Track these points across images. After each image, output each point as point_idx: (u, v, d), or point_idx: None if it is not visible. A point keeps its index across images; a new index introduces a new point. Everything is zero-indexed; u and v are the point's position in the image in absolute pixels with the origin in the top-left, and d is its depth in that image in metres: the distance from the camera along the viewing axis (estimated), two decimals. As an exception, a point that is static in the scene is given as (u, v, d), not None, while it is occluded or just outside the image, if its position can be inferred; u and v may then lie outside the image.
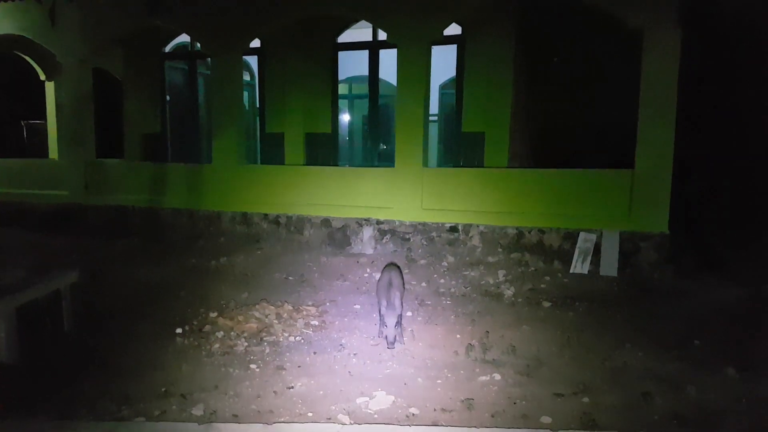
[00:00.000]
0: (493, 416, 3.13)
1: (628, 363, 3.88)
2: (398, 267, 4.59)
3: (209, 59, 10.20)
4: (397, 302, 4.04)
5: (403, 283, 4.45)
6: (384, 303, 4.04)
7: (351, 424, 3.00)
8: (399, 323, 4.11)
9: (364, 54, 10.27)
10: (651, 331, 4.49)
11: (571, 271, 6.38)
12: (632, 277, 6.16)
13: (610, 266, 6.20)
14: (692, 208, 7.12)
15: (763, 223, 7.09)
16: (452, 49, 9.68)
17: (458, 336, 4.39)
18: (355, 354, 3.99)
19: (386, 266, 4.52)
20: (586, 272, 6.30)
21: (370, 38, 10.22)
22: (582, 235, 6.46)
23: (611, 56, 7.90)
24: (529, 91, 8.83)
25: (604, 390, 3.47)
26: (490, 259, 6.94)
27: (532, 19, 8.63)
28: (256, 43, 9.87)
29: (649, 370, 3.77)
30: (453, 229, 7.40)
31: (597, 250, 6.39)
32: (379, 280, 4.37)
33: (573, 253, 6.48)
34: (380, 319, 4.17)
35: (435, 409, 3.19)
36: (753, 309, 5.09)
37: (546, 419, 3.10)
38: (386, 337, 3.96)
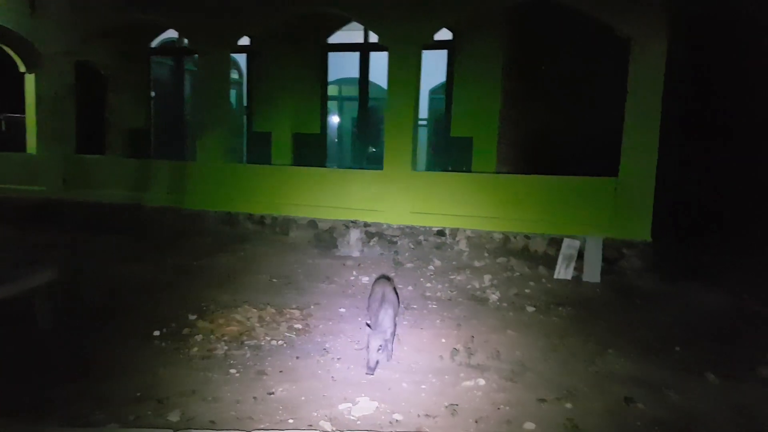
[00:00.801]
0: (477, 422, 3.11)
1: (611, 368, 3.89)
2: (391, 280, 4.33)
3: (196, 56, 10.11)
4: (388, 322, 3.65)
5: (398, 298, 4.05)
6: (372, 320, 3.72)
7: (333, 431, 2.96)
8: (386, 345, 3.70)
9: (355, 56, 10.26)
10: (634, 337, 4.51)
11: (555, 276, 6.40)
12: (615, 283, 6.20)
13: (593, 272, 6.23)
14: (675, 215, 7.19)
15: (745, 230, 7.18)
16: (443, 54, 9.71)
17: (443, 340, 4.36)
18: (339, 358, 3.94)
19: (378, 279, 4.25)
20: (569, 278, 6.33)
21: (361, 40, 10.21)
22: (566, 241, 6.49)
23: (599, 65, 7.98)
24: (518, 98, 8.89)
25: (587, 395, 3.47)
26: (477, 263, 6.93)
27: (521, 27, 8.68)
28: (245, 41, 9.80)
29: (631, 375, 3.78)
30: (440, 233, 7.39)
31: (581, 256, 6.42)
32: (371, 295, 4.05)
33: (557, 259, 6.50)
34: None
35: (419, 415, 3.16)
36: (734, 315, 5.14)
37: (530, 425, 3.08)
38: (367, 361, 3.54)
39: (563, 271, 6.37)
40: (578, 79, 8.39)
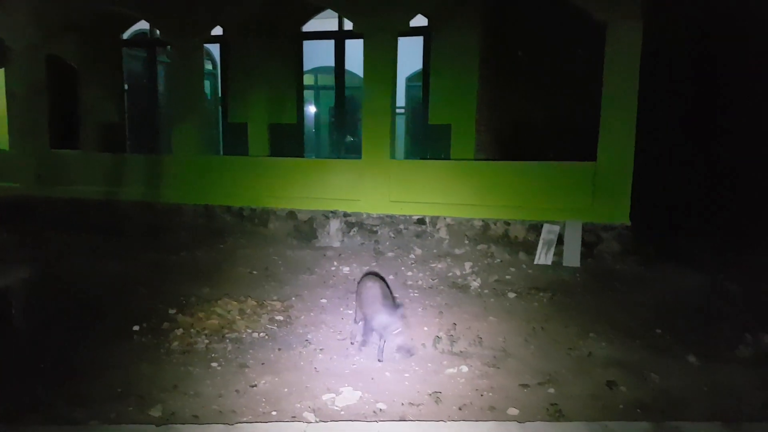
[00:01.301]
0: (460, 409, 3.11)
1: (593, 352, 3.93)
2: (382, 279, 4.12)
3: (169, 47, 9.87)
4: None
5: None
6: (375, 318, 3.68)
7: (316, 422, 2.93)
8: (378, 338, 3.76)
9: (330, 44, 10.13)
10: (614, 321, 4.56)
11: (535, 262, 6.44)
12: (595, 268, 6.26)
13: (573, 257, 6.29)
14: (653, 199, 7.27)
15: (723, 214, 7.31)
16: (419, 41, 9.64)
17: (426, 328, 4.36)
18: (321, 349, 3.91)
19: (368, 276, 4.10)
20: (549, 263, 6.37)
21: (335, 28, 10.08)
22: (546, 226, 6.53)
23: (576, 50, 7.99)
24: (495, 84, 8.87)
25: (569, 380, 3.50)
26: (457, 251, 6.94)
27: (497, 12, 8.64)
28: (218, 31, 9.59)
29: (613, 358, 3.82)
30: (420, 221, 7.38)
31: (560, 241, 6.47)
32: (364, 292, 3.89)
33: (537, 245, 6.54)
34: (366, 331, 3.83)
35: (402, 404, 3.15)
36: (713, 297, 5.22)
37: (513, 411, 3.10)
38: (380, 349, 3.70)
39: (543, 257, 6.42)
40: (556, 65, 8.40)
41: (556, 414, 3.07)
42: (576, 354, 3.90)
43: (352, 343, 3.96)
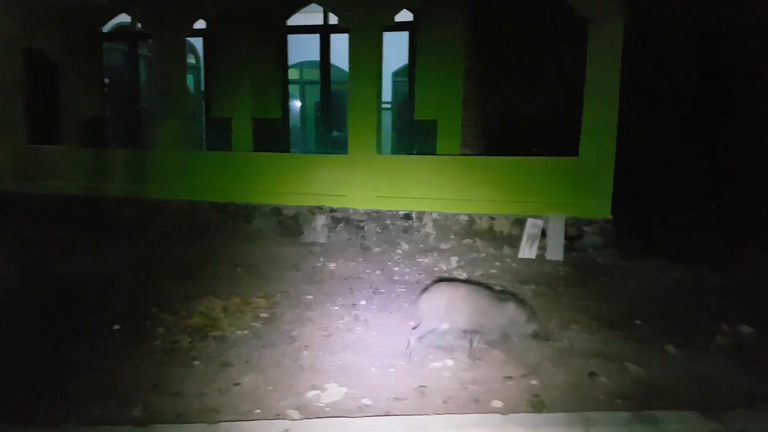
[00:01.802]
0: (445, 402, 3.14)
1: (575, 344, 3.97)
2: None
3: (151, 40, 9.74)
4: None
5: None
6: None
7: (300, 419, 2.93)
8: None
9: (316, 38, 10.07)
10: (596, 312, 4.61)
11: (519, 256, 6.49)
12: (577, 261, 6.32)
13: (556, 251, 6.34)
14: (635, 193, 7.36)
15: (703, 207, 7.42)
16: (405, 36, 9.63)
17: (412, 323, 4.37)
18: (306, 346, 3.91)
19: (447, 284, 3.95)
20: (533, 257, 6.42)
21: (321, 22, 10.02)
22: (530, 221, 6.58)
23: (560, 45, 8.04)
24: (480, 79, 8.89)
25: (551, 371, 3.54)
26: (443, 245, 6.97)
27: (482, 8, 8.65)
28: (201, 25, 9.49)
29: (594, 350, 3.86)
30: (407, 216, 7.38)
31: (544, 235, 6.52)
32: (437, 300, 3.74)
33: (521, 239, 6.58)
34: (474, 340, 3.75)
35: (388, 399, 3.17)
36: (691, 288, 5.31)
37: (497, 403, 3.13)
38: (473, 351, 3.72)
39: (527, 251, 6.47)
40: (540, 60, 8.44)
41: (538, 405, 3.11)
42: (558, 346, 3.94)
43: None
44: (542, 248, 6.49)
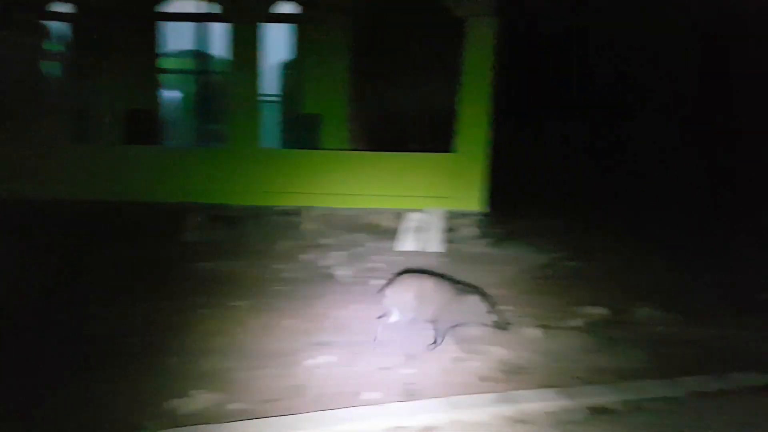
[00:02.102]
0: (319, 399, 3.12)
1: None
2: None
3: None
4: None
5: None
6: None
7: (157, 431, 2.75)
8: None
9: (192, 26, 9.59)
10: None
11: (401, 249, 6.65)
12: (454, 251, 6.60)
13: (435, 243, 6.58)
14: (508, 186, 7.85)
15: (566, 199, 8.07)
16: (293, 28, 9.47)
17: (290, 321, 4.31)
18: (175, 352, 3.69)
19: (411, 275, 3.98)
20: (413, 249, 6.61)
21: (196, 10, 9.56)
22: (410, 215, 6.76)
23: (441, 44, 8.33)
24: (365, 76, 8.99)
25: (424, 358, 3.66)
26: (326, 241, 6.94)
27: (367, 5, 8.73)
28: (65, 8, 8.62)
29: (463, 335, 4.05)
30: (290, 211, 7.27)
31: (424, 228, 6.74)
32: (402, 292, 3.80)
33: (403, 232, 6.75)
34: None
35: (260, 400, 3.09)
36: (551, 272, 5.76)
37: (372, 394, 3.17)
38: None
39: (408, 244, 6.64)
40: (422, 58, 8.70)
41: (411, 392, 3.20)
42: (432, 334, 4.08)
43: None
44: (422, 241, 6.70)
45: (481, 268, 5.90)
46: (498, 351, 3.77)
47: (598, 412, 3.08)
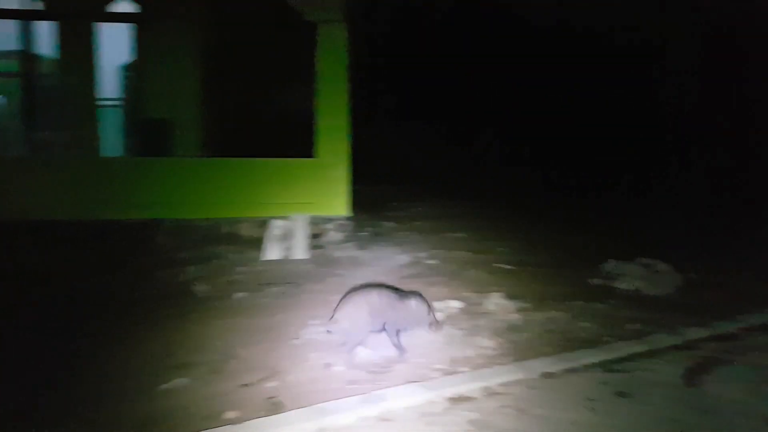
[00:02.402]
0: (175, 425, 2.88)
1: (313, 338, 4.07)
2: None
3: None
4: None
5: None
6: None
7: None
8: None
9: (13, 24, 8.48)
10: (332, 304, 4.79)
11: (265, 258, 6.46)
12: (320, 257, 6.56)
13: (300, 250, 6.49)
14: (370, 189, 8.01)
15: (423, 198, 8.41)
16: (132, 29, 8.76)
17: (141, 345, 3.95)
18: None
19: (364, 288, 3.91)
20: (279, 258, 6.46)
21: (20, 6, 8.48)
22: (273, 222, 6.60)
23: (296, 48, 8.25)
24: (219, 80, 8.62)
25: (289, 369, 3.56)
26: (183, 255, 6.51)
27: (212, 7, 8.37)
28: None
29: (330, 341, 4.01)
30: (139, 225, 6.70)
31: (289, 235, 6.61)
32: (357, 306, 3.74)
33: (266, 241, 6.57)
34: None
35: (104, 434, 2.77)
36: (411, 270, 5.95)
37: (231, 414, 3.00)
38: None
39: (272, 252, 6.47)
40: (279, 61, 8.55)
41: (274, 406, 3.09)
42: (298, 342, 4.00)
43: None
44: (287, 249, 6.57)
45: (348, 272, 5.92)
46: (363, 352, 3.78)
47: (457, 401, 3.21)
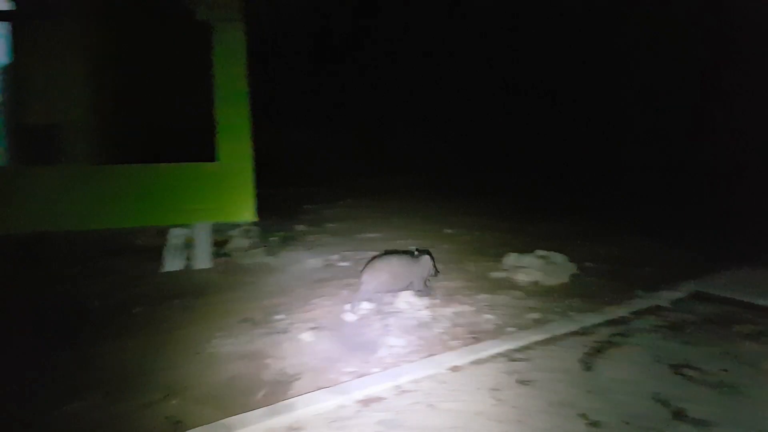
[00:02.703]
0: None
1: (219, 351, 3.91)
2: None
3: None
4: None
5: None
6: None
7: None
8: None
9: None
10: (241, 314, 4.65)
11: (165, 269, 6.11)
12: (226, 266, 6.31)
13: (203, 258, 6.21)
14: (277, 193, 7.82)
15: (332, 200, 8.35)
16: (8, 27, 7.97)
17: (31, 370, 3.59)
18: None
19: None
20: (180, 268, 6.14)
21: None
22: (173, 231, 6.27)
23: (193, 49, 7.88)
24: (112, 83, 8.06)
25: (194, 384, 3.40)
26: (73, 270, 6.01)
27: (98, 3, 7.82)
28: None
29: (238, 351, 3.88)
30: (24, 238, 6.11)
31: (191, 244, 6.31)
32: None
33: (166, 251, 6.22)
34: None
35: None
36: (324, 273, 5.88)
37: (130, 438, 2.80)
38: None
39: (173, 263, 6.14)
40: (176, 63, 8.14)
41: (173, 425, 2.92)
42: (202, 357, 3.82)
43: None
44: (189, 258, 6.26)
45: (255, 280, 5.74)
46: (274, 363, 3.68)
47: (368, 402, 3.20)
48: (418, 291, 4.85)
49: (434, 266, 4.99)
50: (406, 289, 4.80)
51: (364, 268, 4.69)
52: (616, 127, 12.21)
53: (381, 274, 4.63)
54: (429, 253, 4.97)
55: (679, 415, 3.03)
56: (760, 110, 10.01)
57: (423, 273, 4.89)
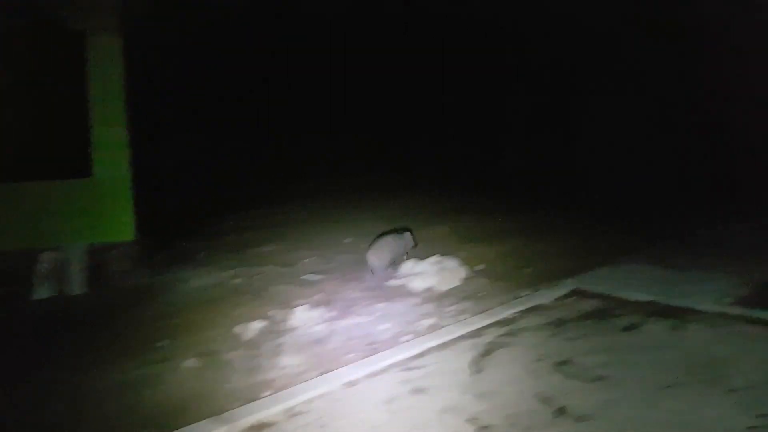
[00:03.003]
0: None
1: (95, 384, 3.56)
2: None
3: None
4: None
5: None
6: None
7: None
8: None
9: None
10: (119, 341, 4.29)
11: (34, 297, 5.52)
12: (104, 290, 5.81)
13: (77, 283, 5.68)
14: (160, 210, 7.34)
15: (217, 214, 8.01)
16: None
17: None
18: None
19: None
20: (52, 295, 5.57)
21: None
22: (43, 255, 5.67)
23: (64, 59, 7.18)
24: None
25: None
26: None
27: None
28: None
29: (119, 382, 3.56)
30: None
31: (63, 268, 5.74)
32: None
33: (34, 277, 5.62)
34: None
35: None
36: (218, 295, 5.58)
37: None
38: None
39: (42, 290, 5.56)
40: (43, 73, 7.38)
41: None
42: (73, 394, 3.45)
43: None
44: (61, 284, 5.69)
45: (143, 303, 5.31)
46: (149, 393, 3.41)
47: (257, 428, 3.05)
48: (404, 257, 6.09)
49: (414, 239, 6.22)
50: (400, 259, 6.04)
51: (368, 249, 5.90)
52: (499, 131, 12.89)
53: (383, 252, 5.85)
54: (410, 230, 6.28)
55: (560, 412, 3.15)
56: (620, 108, 10.97)
57: (408, 245, 6.16)
